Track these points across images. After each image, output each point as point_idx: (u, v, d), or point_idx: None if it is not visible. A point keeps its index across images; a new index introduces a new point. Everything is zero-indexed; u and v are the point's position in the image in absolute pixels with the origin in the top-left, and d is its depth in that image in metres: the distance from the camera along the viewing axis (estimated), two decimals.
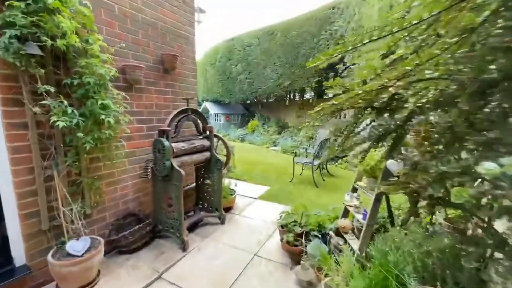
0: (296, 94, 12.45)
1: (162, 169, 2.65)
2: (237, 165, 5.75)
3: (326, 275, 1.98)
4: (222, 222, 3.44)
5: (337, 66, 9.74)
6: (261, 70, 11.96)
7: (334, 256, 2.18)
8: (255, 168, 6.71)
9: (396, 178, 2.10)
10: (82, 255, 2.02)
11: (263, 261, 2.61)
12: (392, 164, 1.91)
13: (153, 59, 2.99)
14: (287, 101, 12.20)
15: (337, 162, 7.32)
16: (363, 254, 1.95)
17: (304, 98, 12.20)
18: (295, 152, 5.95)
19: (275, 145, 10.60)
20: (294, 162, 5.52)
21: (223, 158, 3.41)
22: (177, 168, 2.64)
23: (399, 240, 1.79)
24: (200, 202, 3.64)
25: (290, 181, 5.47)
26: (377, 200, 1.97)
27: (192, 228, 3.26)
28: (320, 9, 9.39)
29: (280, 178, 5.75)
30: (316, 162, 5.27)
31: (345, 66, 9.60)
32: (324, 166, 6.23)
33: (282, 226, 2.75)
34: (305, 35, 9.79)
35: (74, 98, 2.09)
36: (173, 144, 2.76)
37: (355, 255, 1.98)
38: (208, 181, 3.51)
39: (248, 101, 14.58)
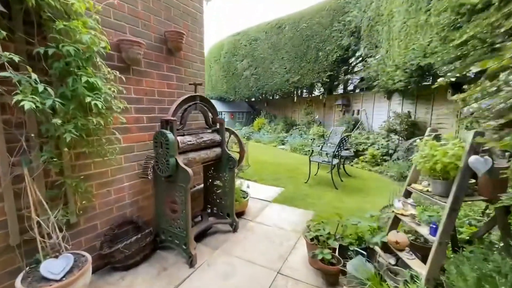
0: (304, 90, 11.92)
1: (166, 168, 2.18)
2: (246, 165, 5.27)
3: None
4: (235, 230, 2.96)
5: (350, 60, 9.24)
6: (268, 65, 11.44)
7: (386, 281, 1.69)
8: (265, 167, 6.22)
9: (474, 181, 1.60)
10: (61, 279, 1.55)
11: (289, 282, 2.11)
12: (478, 162, 1.40)
13: (154, 36, 2.51)
14: (295, 98, 11.66)
15: (352, 161, 6.79)
16: (435, 282, 1.45)
17: (313, 95, 11.66)
18: (311, 151, 5.43)
19: (283, 144, 10.09)
20: (310, 161, 5.02)
21: (235, 156, 2.93)
22: (184, 166, 2.16)
23: (496, 264, 1.29)
24: (209, 206, 3.16)
25: (305, 182, 4.97)
26: (453, 210, 1.46)
27: (199, 237, 2.78)
28: None
29: (293, 179, 5.25)
30: (335, 161, 4.76)
31: (358, 59, 9.08)
32: (342, 165, 5.71)
33: (311, 239, 2.25)
34: (315, 27, 9.24)
35: (52, 74, 1.61)
36: (178, 138, 2.29)
37: (422, 282, 1.48)
38: (218, 182, 3.03)
39: (253, 99, 14.09)
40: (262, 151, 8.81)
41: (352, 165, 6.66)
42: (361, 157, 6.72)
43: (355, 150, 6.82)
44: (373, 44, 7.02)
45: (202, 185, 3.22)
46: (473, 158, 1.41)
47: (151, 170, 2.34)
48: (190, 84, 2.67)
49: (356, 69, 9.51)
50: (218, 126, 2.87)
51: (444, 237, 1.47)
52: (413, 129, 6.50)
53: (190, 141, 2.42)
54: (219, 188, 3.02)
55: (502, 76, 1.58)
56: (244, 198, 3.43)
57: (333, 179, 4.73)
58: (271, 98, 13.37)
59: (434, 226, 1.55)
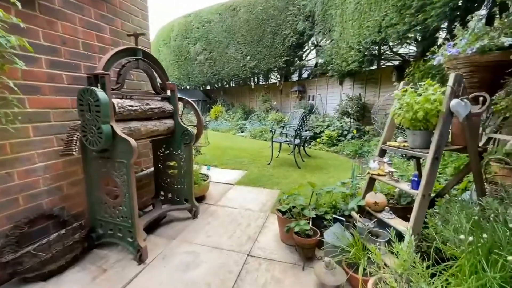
0: (261, 77, 11.78)
1: (97, 139, 1.64)
2: (206, 151, 4.82)
3: (367, 274, 1.33)
4: (195, 216, 2.56)
5: (306, 47, 9.39)
6: (224, 49, 10.87)
7: (363, 244, 1.56)
8: (225, 153, 5.85)
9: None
10: None
11: (262, 263, 1.85)
12: (459, 106, 1.33)
13: None
14: (252, 85, 11.43)
15: (310, 143, 6.93)
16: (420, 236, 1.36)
17: (270, 82, 11.61)
18: (274, 131, 5.25)
19: (242, 131, 9.82)
20: (272, 142, 4.84)
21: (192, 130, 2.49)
22: (123, 135, 1.66)
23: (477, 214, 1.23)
24: (162, 193, 2.66)
25: (268, 164, 4.79)
26: (436, 159, 1.38)
27: (151, 227, 2.30)
28: None
29: (256, 162, 5.02)
30: (297, 141, 4.68)
31: (313, 45, 9.28)
32: (302, 146, 5.73)
33: (283, 213, 2.02)
34: (271, 10, 9.05)
35: None
36: (114, 100, 1.76)
37: (411, 237, 1.37)
38: (172, 163, 2.55)
39: (209, 86, 13.37)
40: (221, 139, 8.38)
41: (310, 147, 6.79)
42: (318, 139, 6.90)
43: (313, 132, 6.97)
44: (327, 29, 7.17)
45: (152, 169, 2.69)
46: (454, 102, 1.33)
47: (77, 143, 1.75)
48: (128, 35, 2.11)
49: (311, 55, 9.73)
50: (169, 94, 2.39)
51: (427, 188, 1.39)
52: (363, 111, 6.94)
53: (132, 106, 1.90)
54: (174, 170, 2.55)
55: (472, 23, 1.55)
56: (204, 180, 3.03)
57: (295, 159, 4.66)
58: (227, 86, 12.88)
59: (415, 179, 1.46)
